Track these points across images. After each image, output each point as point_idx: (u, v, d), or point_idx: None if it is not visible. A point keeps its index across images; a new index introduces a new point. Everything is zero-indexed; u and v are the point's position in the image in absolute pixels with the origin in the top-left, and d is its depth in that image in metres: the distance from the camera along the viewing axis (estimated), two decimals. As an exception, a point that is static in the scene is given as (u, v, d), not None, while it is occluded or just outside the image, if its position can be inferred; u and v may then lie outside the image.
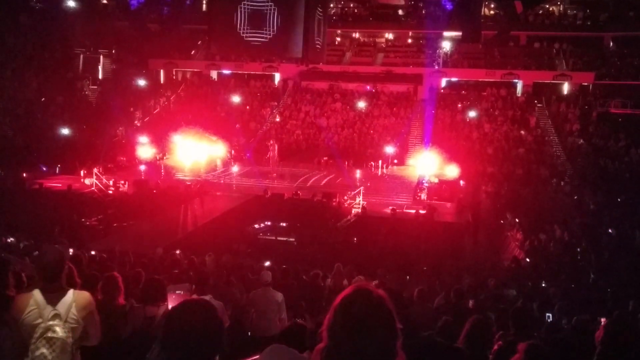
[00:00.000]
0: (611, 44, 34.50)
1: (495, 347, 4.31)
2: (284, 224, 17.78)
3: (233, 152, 28.19)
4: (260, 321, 6.69)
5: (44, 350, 3.39)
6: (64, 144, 26.85)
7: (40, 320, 3.42)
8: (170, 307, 2.46)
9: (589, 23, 34.94)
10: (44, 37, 32.95)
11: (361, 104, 32.43)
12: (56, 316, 3.47)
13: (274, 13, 24.10)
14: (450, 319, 4.51)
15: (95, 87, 34.16)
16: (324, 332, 1.87)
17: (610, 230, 17.25)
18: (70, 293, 3.62)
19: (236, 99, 33.90)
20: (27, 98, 29.61)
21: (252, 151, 28.48)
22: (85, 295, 3.72)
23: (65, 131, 27.95)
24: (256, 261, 12.10)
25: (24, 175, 22.27)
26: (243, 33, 24.46)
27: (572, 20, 35.84)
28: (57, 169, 24.26)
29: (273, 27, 24.19)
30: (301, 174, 24.91)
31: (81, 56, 35.03)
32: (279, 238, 17.05)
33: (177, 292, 2.49)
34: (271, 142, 26.21)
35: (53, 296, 3.52)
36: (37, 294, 3.50)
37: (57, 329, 3.44)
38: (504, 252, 17.57)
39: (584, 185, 23.17)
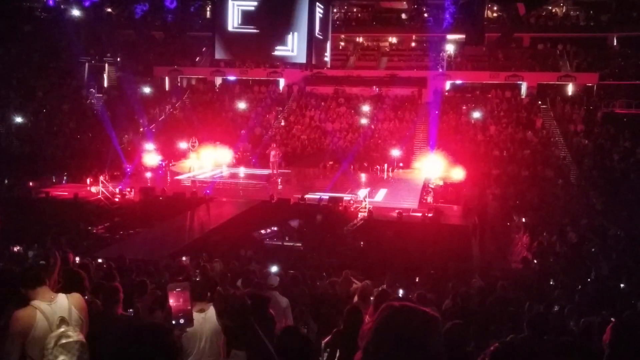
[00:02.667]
0: (615, 44, 34.40)
1: (492, 348, 4.30)
2: (295, 223, 17.68)
3: (237, 156, 28.33)
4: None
5: (62, 357, 3.38)
6: (70, 152, 26.97)
7: (50, 331, 3.42)
8: (171, 304, 2.51)
9: (592, 24, 34.87)
10: (49, 46, 33.18)
11: (366, 108, 32.47)
12: (63, 321, 3.48)
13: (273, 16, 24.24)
14: (459, 323, 4.50)
15: (101, 95, 34.33)
16: (362, 344, 1.87)
17: (618, 231, 17.15)
18: (63, 297, 3.64)
19: (241, 104, 34.03)
20: (32, 107, 29.80)
21: (258, 156, 28.56)
22: (77, 297, 3.75)
23: (71, 139, 28.09)
24: (263, 266, 12.10)
25: (31, 184, 22.39)
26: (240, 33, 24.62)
27: (575, 21, 35.77)
28: (64, 178, 24.37)
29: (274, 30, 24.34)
30: (307, 178, 24.93)
31: (86, 65, 35.21)
32: (285, 243, 17.05)
33: (177, 289, 2.52)
34: (273, 145, 26.24)
35: (53, 304, 3.54)
36: (39, 305, 3.50)
37: (70, 332, 3.45)
38: (511, 254, 17.50)
39: (590, 186, 23.08)
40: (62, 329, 3.43)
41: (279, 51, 24.98)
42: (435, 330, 1.84)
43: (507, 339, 4.63)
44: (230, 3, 24.29)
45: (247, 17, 24.08)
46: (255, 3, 24.11)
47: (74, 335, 3.46)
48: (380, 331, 1.85)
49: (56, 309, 3.51)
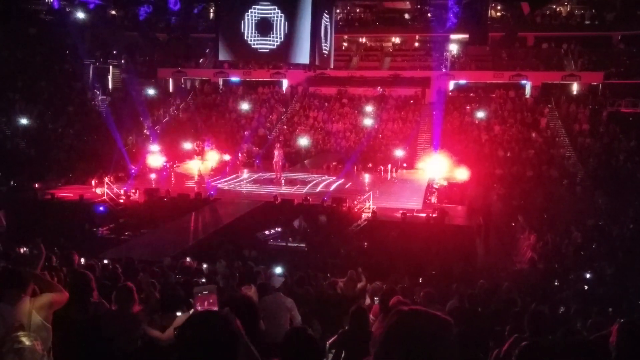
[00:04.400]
0: (620, 43, 34.26)
1: (506, 346, 4.32)
2: (296, 223, 17.64)
3: (241, 157, 28.37)
4: (270, 327, 6.69)
5: None
6: (75, 154, 27.06)
7: (7, 333, 3.42)
8: (198, 308, 2.51)
9: (596, 23, 34.70)
10: (54, 49, 33.28)
11: (369, 108, 32.46)
12: (20, 327, 3.48)
13: (280, 20, 24.17)
14: (467, 329, 4.49)
15: (105, 97, 34.44)
16: (373, 350, 1.87)
17: (623, 231, 17.09)
18: (27, 300, 3.64)
19: (244, 106, 34.08)
20: (38, 109, 29.91)
21: (262, 158, 28.59)
22: (44, 299, 3.74)
23: (76, 141, 28.18)
24: (267, 267, 12.10)
25: (36, 185, 22.47)
26: (250, 40, 24.53)
27: (579, 20, 35.62)
28: (68, 180, 24.45)
29: (280, 34, 24.24)
30: (310, 179, 24.93)
31: (91, 67, 35.33)
32: (289, 244, 17.06)
33: (204, 292, 2.51)
34: (277, 145, 26.23)
35: (14, 307, 3.55)
36: (0, 307, 3.52)
37: (23, 339, 3.44)
38: (515, 255, 17.47)
39: (595, 186, 23.00)
40: (17, 334, 3.44)
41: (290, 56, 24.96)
42: (446, 334, 1.83)
43: (529, 340, 4.62)
44: (244, 10, 24.24)
45: (260, 25, 24.06)
46: (269, 11, 24.01)
47: (27, 341, 3.45)
48: (390, 337, 1.84)
49: (16, 312, 3.52)
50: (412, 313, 1.87)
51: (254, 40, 24.45)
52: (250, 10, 24.29)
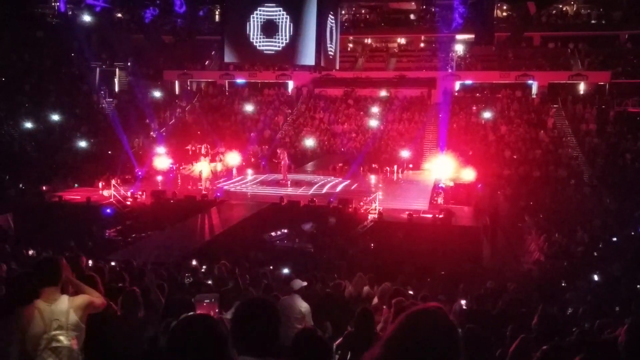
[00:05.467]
0: (627, 42, 34.09)
1: (512, 347, 4.31)
2: (307, 227, 17.65)
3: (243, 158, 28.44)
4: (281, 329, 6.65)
5: None
6: (82, 156, 27.19)
7: (44, 331, 3.47)
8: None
9: (603, 22, 34.56)
10: (61, 52, 33.47)
11: (375, 109, 32.44)
12: (59, 326, 3.52)
13: (286, 21, 24.20)
14: (474, 327, 4.48)
15: (112, 99, 34.60)
16: (381, 342, 1.88)
17: (631, 231, 17.00)
18: (65, 299, 3.68)
19: (250, 107, 34.14)
20: (45, 112, 30.07)
21: (267, 159, 28.61)
22: (81, 300, 3.78)
23: (83, 144, 28.33)
24: (275, 268, 12.12)
25: (44, 188, 22.58)
26: (256, 42, 24.59)
27: (586, 20, 35.47)
28: (75, 182, 24.56)
29: (286, 36, 24.28)
30: (316, 180, 24.93)
31: (97, 70, 35.53)
32: (296, 245, 17.06)
33: (206, 301, 2.54)
34: (279, 150, 26.18)
35: (53, 305, 3.58)
36: (40, 305, 3.57)
37: (61, 337, 3.49)
38: (522, 256, 17.40)
39: (602, 186, 22.88)
40: (55, 332, 3.48)
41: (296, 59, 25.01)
42: (453, 334, 1.84)
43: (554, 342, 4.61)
44: (248, 12, 24.31)
45: (265, 27, 24.13)
46: (273, 12, 24.07)
47: (65, 340, 3.50)
48: (401, 334, 1.86)
49: (55, 310, 3.55)
50: (423, 312, 1.88)
51: (260, 42, 24.50)
52: (255, 12, 24.35)
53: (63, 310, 3.59)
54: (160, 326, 4.85)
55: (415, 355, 1.79)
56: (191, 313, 2.48)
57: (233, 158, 26.25)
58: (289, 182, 24.10)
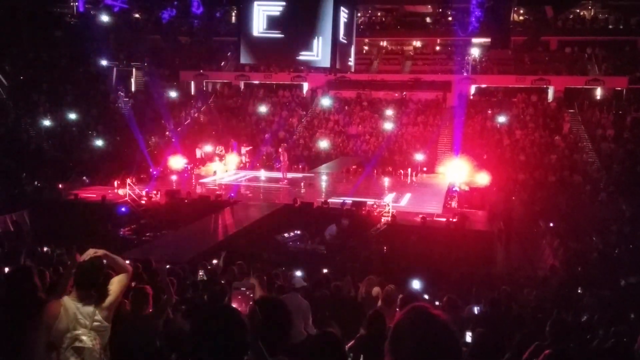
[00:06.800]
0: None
1: (526, 354, 4.29)
2: (331, 231, 17.62)
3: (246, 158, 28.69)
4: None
5: (72, 359, 3.48)
6: (98, 155, 27.46)
7: (67, 329, 3.50)
8: (233, 305, 2.68)
9: (621, 27, 34.22)
10: (79, 51, 33.85)
11: (389, 112, 32.39)
12: (83, 325, 3.54)
13: (301, 21, 24.35)
14: (484, 331, 4.46)
15: (128, 99, 34.90)
16: (387, 347, 1.89)
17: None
18: (92, 301, 3.70)
19: (265, 108, 34.27)
20: (62, 111, 30.43)
21: (278, 160, 28.68)
22: (109, 298, 3.79)
23: (99, 143, 28.61)
24: (287, 269, 12.13)
25: (60, 186, 22.83)
26: (268, 42, 24.78)
27: (604, 25, 35.14)
28: (88, 180, 24.81)
29: (300, 36, 24.43)
30: (330, 182, 24.96)
31: (114, 69, 35.88)
32: (308, 247, 17.06)
33: (242, 289, 2.61)
34: (280, 150, 26.23)
35: (81, 304, 3.61)
36: (66, 302, 3.59)
37: (84, 338, 3.51)
38: (537, 261, 17.25)
39: (619, 192, 22.61)
40: (78, 332, 3.50)
41: (304, 56, 25.08)
42: (452, 334, 1.85)
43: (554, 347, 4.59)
44: (255, 8, 24.50)
45: (273, 22, 24.27)
46: (281, 8, 24.27)
47: (87, 341, 3.52)
48: (399, 331, 1.87)
49: (82, 310, 3.58)
50: (420, 309, 1.89)
51: (271, 40, 24.67)
52: (264, 10, 24.56)
53: (89, 310, 3.62)
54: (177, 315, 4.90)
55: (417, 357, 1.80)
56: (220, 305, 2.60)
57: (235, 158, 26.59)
58: (286, 182, 24.35)
